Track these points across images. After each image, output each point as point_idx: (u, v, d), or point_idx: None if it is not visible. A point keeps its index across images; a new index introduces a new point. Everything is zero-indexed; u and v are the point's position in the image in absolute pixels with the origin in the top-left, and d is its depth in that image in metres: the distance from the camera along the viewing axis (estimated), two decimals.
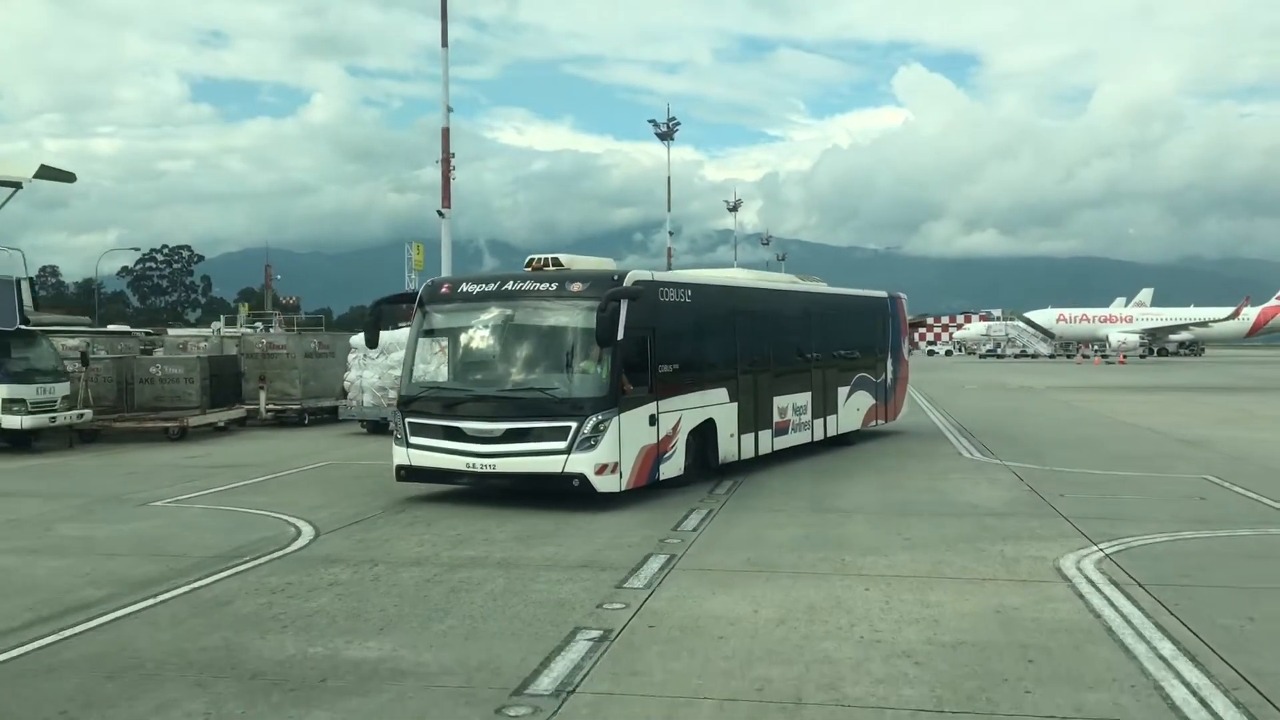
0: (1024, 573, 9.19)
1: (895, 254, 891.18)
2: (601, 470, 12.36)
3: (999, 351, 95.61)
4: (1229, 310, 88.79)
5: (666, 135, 72.10)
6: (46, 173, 20.55)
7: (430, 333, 13.72)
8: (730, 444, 15.29)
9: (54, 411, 20.34)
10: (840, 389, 19.28)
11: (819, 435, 18.39)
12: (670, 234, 76.59)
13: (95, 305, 79.91)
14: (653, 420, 13.24)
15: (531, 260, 14.02)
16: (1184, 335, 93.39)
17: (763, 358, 16.62)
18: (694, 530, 11.34)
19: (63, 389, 20.83)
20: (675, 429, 13.74)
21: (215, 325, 44.78)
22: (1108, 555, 9.78)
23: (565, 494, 12.48)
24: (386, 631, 7.47)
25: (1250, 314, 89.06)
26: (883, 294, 22.51)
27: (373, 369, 22.46)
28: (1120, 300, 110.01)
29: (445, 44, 34.43)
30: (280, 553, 10.19)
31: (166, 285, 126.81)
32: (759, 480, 15.11)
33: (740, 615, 7.83)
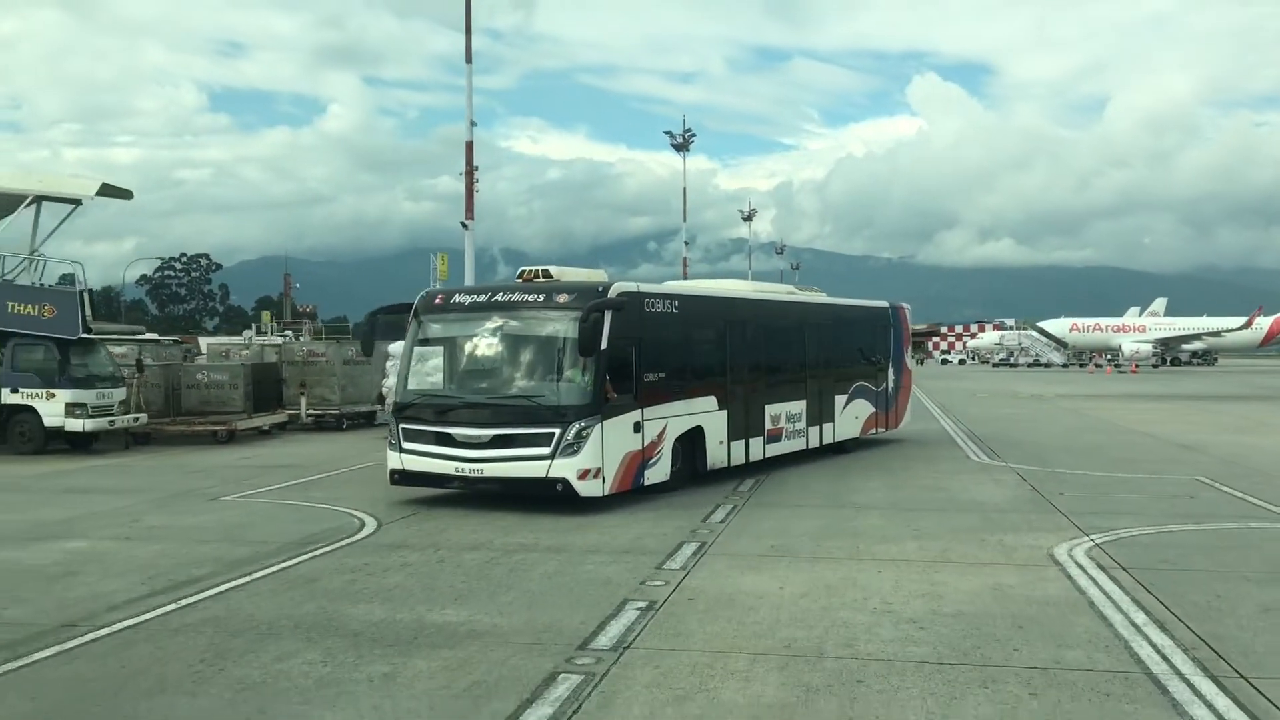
0: (1020, 559, 10.25)
1: (909, 263, 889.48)
2: (584, 475, 12.80)
3: (1012, 361, 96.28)
4: (1242, 320, 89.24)
5: (682, 146, 73.06)
6: (108, 190, 21.84)
7: (424, 342, 14.17)
8: (719, 451, 15.64)
9: (112, 415, 21.58)
10: (837, 397, 19.59)
11: (814, 443, 18.69)
12: (686, 244, 77.63)
13: (121, 313, 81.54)
14: (637, 427, 13.63)
15: (523, 272, 14.65)
16: (1197, 345, 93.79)
17: (754, 367, 16.95)
18: (721, 522, 12.43)
19: (120, 394, 22.08)
20: (661, 436, 14.16)
21: (246, 334, 46.07)
22: (1098, 544, 10.82)
23: (561, 498, 12.98)
24: (460, 602, 8.59)
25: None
26: (884, 304, 22.85)
27: None
28: (1134, 310, 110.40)
29: (469, 60, 35.50)
30: (350, 540, 11.32)
31: (184, 293, 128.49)
32: (779, 480, 16.18)
33: (767, 591, 8.92)
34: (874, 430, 21.27)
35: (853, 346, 20.83)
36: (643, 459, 13.75)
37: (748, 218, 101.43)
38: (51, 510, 13.71)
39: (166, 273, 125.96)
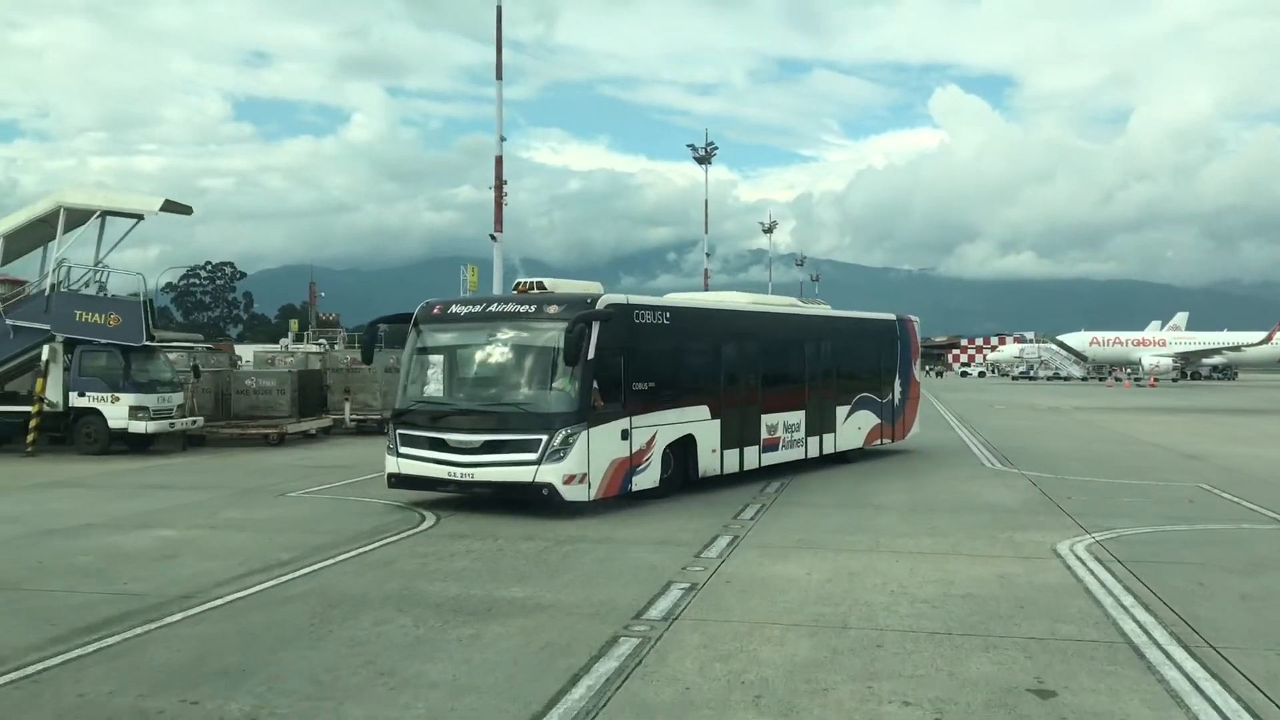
0: (1026, 552, 11.26)
1: (930, 275, 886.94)
2: (569, 480, 13.19)
3: (1031, 374, 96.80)
4: (1262, 335, 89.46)
5: (704, 159, 74.18)
6: (170, 206, 23.16)
7: (423, 350, 14.62)
8: (712, 459, 15.95)
9: (171, 418, 22.86)
10: (839, 408, 19.79)
11: (813, 452, 18.89)
12: (707, 255, 78.62)
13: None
14: (625, 435, 13.99)
15: (518, 284, 15.12)
16: (1217, 359, 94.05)
17: (750, 377, 17.20)
18: (751, 519, 13.51)
19: (178, 398, 23.38)
20: (650, 444, 14.50)
21: (283, 341, 47.51)
22: (1098, 541, 11.82)
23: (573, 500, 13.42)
24: (523, 582, 9.70)
25: None
26: (891, 316, 23.03)
27: None
28: (1155, 324, 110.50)
29: (500, 76, 36.56)
30: (415, 531, 12.46)
31: (209, 301, 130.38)
32: (802, 483, 17.22)
33: (796, 576, 9.98)
34: (879, 441, 21.49)
35: (856, 358, 20.98)
36: (630, 466, 14.11)
37: (768, 230, 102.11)
38: (135, 504, 14.92)
39: (191, 280, 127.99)
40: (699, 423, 15.71)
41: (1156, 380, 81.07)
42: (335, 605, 8.76)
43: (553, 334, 13.46)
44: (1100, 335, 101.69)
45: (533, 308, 14.06)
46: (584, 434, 13.32)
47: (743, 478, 16.74)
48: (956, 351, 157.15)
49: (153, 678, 6.76)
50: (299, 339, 54.68)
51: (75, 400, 22.03)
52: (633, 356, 14.36)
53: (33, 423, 21.93)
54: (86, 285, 23.10)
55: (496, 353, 14.30)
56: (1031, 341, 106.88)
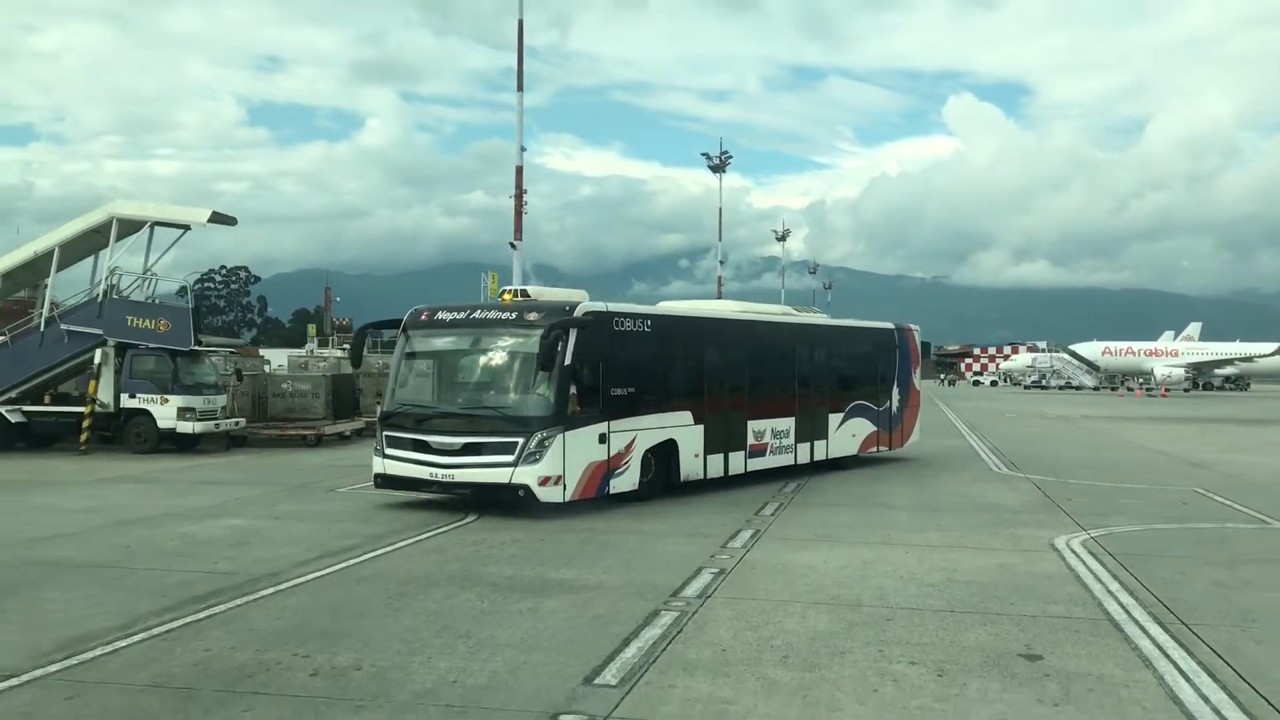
0: (1025, 546, 12.27)
1: (943, 283, 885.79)
2: (545, 482, 13.64)
3: (1044, 383, 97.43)
4: (1275, 346, 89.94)
5: (719, 168, 75.11)
6: (216, 218, 24.36)
7: (410, 355, 15.20)
8: (695, 463, 16.30)
9: (216, 419, 24.04)
10: (831, 415, 20.00)
11: (804, 459, 19.12)
12: (721, 263, 79.50)
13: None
14: (603, 439, 14.38)
15: (503, 292, 15.78)
16: (1229, 370, 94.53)
17: (735, 384, 17.50)
18: (771, 515, 14.55)
19: (222, 400, 24.56)
20: (629, 447, 14.87)
21: (308, 346, 48.76)
22: (1092, 537, 12.81)
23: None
24: (568, 566, 10.77)
25: None
26: (889, 325, 23.15)
27: None
28: (1169, 334, 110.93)
29: (520, 88, 37.44)
30: (461, 523, 13.52)
31: (224, 305, 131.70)
32: (818, 485, 18.23)
33: (814, 564, 11.01)
34: (875, 449, 21.63)
35: (850, 366, 21.23)
36: (608, 469, 14.50)
37: (782, 238, 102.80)
38: (196, 498, 16.04)
39: (206, 284, 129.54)
40: (681, 428, 16.06)
41: (1168, 390, 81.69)
42: (405, 583, 9.84)
43: (531, 341, 13.84)
44: (1113, 345, 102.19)
45: (513, 315, 14.46)
46: (560, 437, 13.73)
47: (758, 480, 17.78)
48: (969, 360, 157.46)
49: (263, 638, 7.85)
50: (324, 343, 55.92)
51: (126, 402, 23.20)
52: (612, 363, 14.77)
53: (86, 423, 23.13)
54: (136, 291, 24.28)
55: (478, 358, 14.88)
56: (1044, 351, 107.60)
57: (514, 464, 13.65)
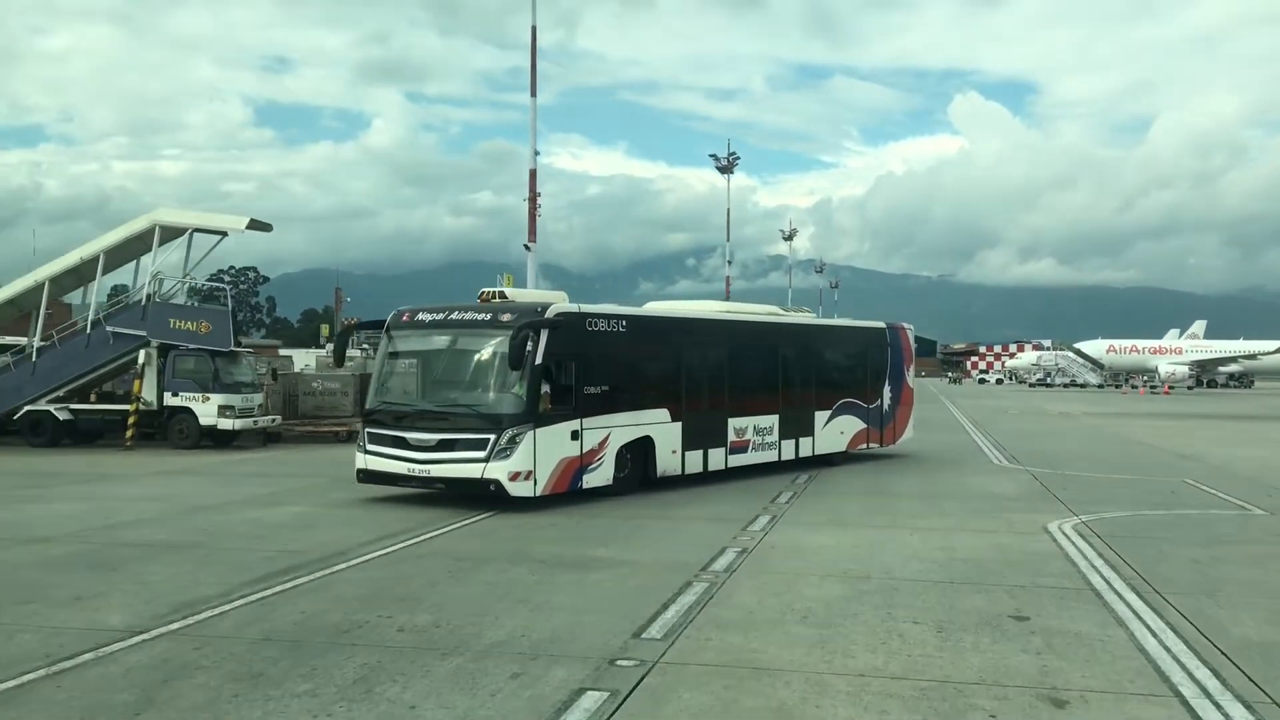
0: (1020, 529, 13.36)
1: (949, 281, 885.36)
2: (515, 477, 14.15)
3: (1048, 381, 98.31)
4: (1277, 344, 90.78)
5: (727, 169, 76.00)
6: (254, 225, 25.55)
7: (392, 355, 15.82)
8: (672, 459, 16.76)
9: (253, 416, 25.22)
10: (818, 413, 20.32)
11: (788, 455, 19.48)
12: (729, 263, 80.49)
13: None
14: (575, 435, 14.89)
15: (482, 293, 15.89)
16: (1233, 368, 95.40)
17: (715, 382, 17.89)
18: (786, 503, 15.67)
19: (258, 398, 25.75)
20: (603, 444, 15.38)
21: (329, 346, 49.85)
22: (1083, 521, 13.91)
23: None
24: (606, 546, 11.90)
25: None
26: (880, 324, 23.38)
27: None
28: (1174, 332, 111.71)
29: (534, 93, 38.09)
30: (502, 512, 14.61)
31: (233, 305, 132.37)
32: (828, 477, 19.33)
33: (827, 544, 12.13)
34: (865, 445, 21.91)
35: (837, 365, 21.54)
36: (581, 464, 15.04)
37: (788, 237, 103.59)
38: (251, 488, 17.22)
39: (215, 285, 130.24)
40: (658, 425, 16.52)
41: (1171, 388, 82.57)
42: (461, 560, 10.99)
43: (503, 341, 14.26)
44: (1117, 343, 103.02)
45: (487, 316, 14.91)
46: (530, 434, 14.24)
47: (773, 470, 18.91)
48: (975, 359, 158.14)
49: (348, 603, 8.99)
50: (356, 346, 56.86)
51: (169, 400, 24.39)
52: (585, 362, 15.23)
53: (131, 420, 24.33)
54: (178, 294, 25.49)
55: (455, 358, 15.43)
56: (1049, 349, 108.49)
57: (486, 460, 14.17)
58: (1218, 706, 6.45)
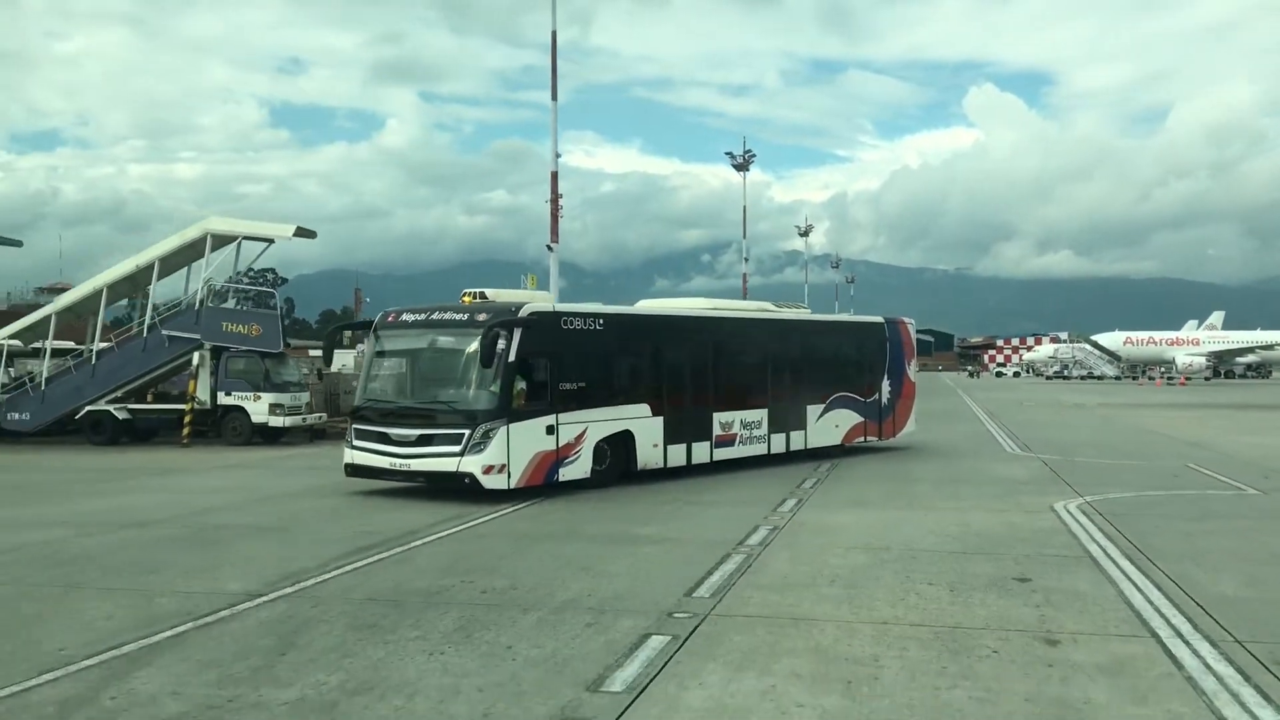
0: (1028, 508, 14.50)
1: (966, 275, 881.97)
2: (489, 470, 14.72)
3: (1065, 373, 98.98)
4: None
5: (743, 166, 76.79)
6: (300, 232, 26.90)
7: (379, 354, 16.50)
8: (654, 453, 17.29)
9: (301, 414, 26.59)
10: (810, 407, 20.67)
11: (778, 449, 19.88)
12: (745, 260, 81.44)
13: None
14: (550, 430, 15.46)
15: (465, 294, 16.54)
16: (1250, 358, 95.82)
17: (698, 378, 18.38)
18: (810, 488, 16.87)
19: (305, 397, 27.10)
20: (580, 438, 15.90)
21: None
22: (1087, 501, 15.04)
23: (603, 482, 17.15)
24: (649, 525, 13.12)
25: None
26: (878, 319, 23.92)
27: None
28: (1192, 323, 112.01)
29: (555, 98, 39.11)
30: (549, 499, 15.85)
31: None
32: (848, 465, 20.50)
33: (850, 523, 13.31)
34: (862, 438, 22.24)
35: (831, 360, 21.80)
36: (557, 458, 15.61)
37: (804, 233, 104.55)
38: (310, 479, 18.53)
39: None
40: (638, 420, 17.05)
41: (1188, 379, 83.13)
42: (520, 538, 12.24)
43: (478, 340, 14.82)
44: (1134, 335, 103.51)
45: (465, 316, 15.52)
46: (503, 429, 14.81)
47: (794, 459, 20.09)
48: (992, 352, 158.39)
49: (431, 572, 10.24)
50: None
51: (222, 399, 25.77)
52: (561, 359, 15.82)
53: (187, 419, 25.73)
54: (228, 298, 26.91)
55: (435, 357, 16.01)
56: (1065, 342, 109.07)
57: (461, 454, 14.79)
58: (1187, 644, 7.60)
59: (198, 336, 25.79)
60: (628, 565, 10.55)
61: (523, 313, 15.41)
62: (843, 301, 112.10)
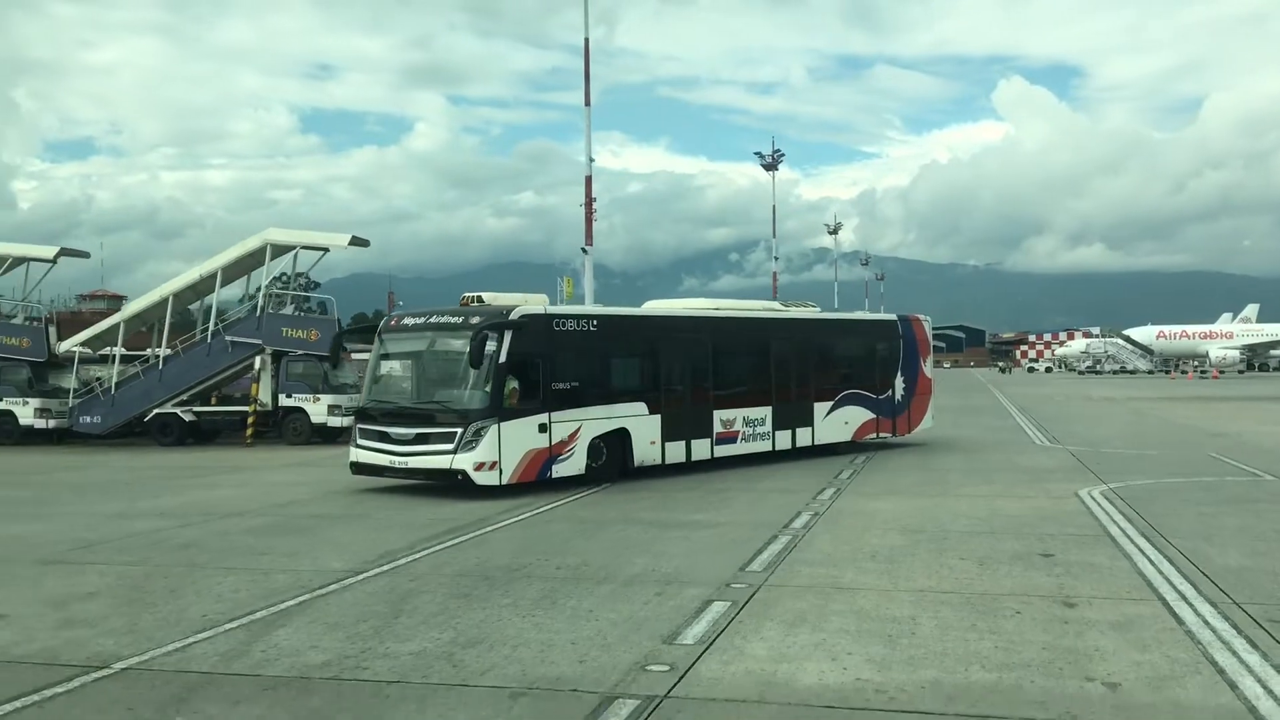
0: (1054, 494, 15.45)
1: (997, 270, 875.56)
2: (480, 467, 15.34)
3: (1098, 368, 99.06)
4: None
5: (772, 166, 77.59)
6: (355, 241, 28.24)
7: (383, 357, 17.20)
8: (651, 450, 17.76)
9: None
10: (817, 404, 21.00)
11: (784, 445, 20.22)
12: (775, 259, 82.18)
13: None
14: (543, 428, 16.01)
15: (463, 298, 17.10)
16: None
17: (698, 377, 18.83)
18: (847, 479, 17.88)
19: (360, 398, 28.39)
20: (573, 436, 16.43)
21: None
22: (1110, 488, 15.95)
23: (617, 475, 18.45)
24: (699, 512, 14.21)
25: None
26: (891, 317, 24.46)
27: None
28: (1226, 315, 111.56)
29: (588, 103, 40.16)
30: (601, 489, 16.91)
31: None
32: (883, 458, 21.48)
33: (885, 509, 14.33)
34: (874, 435, 22.51)
35: (840, 358, 22.22)
36: (550, 455, 16.19)
37: (833, 231, 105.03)
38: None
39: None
40: (634, 418, 17.54)
41: (1221, 372, 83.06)
42: (583, 523, 13.38)
43: (468, 342, 15.48)
44: (1167, 329, 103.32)
45: (459, 320, 16.15)
46: (494, 427, 15.40)
47: (833, 451, 21.09)
48: (1024, 348, 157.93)
49: (507, 552, 11.38)
50: None
51: (283, 401, 27.14)
52: (553, 359, 16.37)
53: (250, 420, 27.13)
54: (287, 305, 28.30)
55: (431, 359, 16.70)
56: (1097, 337, 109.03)
57: (453, 451, 15.44)
58: (1190, 605, 8.59)
59: (259, 341, 27.14)
60: (684, 546, 11.65)
61: (513, 315, 15.98)
62: (873, 299, 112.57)
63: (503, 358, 15.60)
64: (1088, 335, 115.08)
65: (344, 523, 13.83)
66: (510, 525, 13.34)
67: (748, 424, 19.63)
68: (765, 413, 19.99)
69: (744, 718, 6.15)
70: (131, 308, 29.79)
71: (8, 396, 29.16)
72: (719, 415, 19.09)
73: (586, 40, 38.71)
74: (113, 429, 28.20)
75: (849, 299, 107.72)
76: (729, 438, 19.31)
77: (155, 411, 27.83)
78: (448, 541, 12.11)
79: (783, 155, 78.39)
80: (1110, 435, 26.14)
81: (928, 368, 24.57)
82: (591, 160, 41.20)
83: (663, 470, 18.25)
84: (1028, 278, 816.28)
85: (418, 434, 15.86)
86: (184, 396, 27.89)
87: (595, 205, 42.39)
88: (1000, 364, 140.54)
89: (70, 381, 29.22)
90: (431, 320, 16.89)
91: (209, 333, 27.86)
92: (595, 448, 16.99)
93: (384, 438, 16.26)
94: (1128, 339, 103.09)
